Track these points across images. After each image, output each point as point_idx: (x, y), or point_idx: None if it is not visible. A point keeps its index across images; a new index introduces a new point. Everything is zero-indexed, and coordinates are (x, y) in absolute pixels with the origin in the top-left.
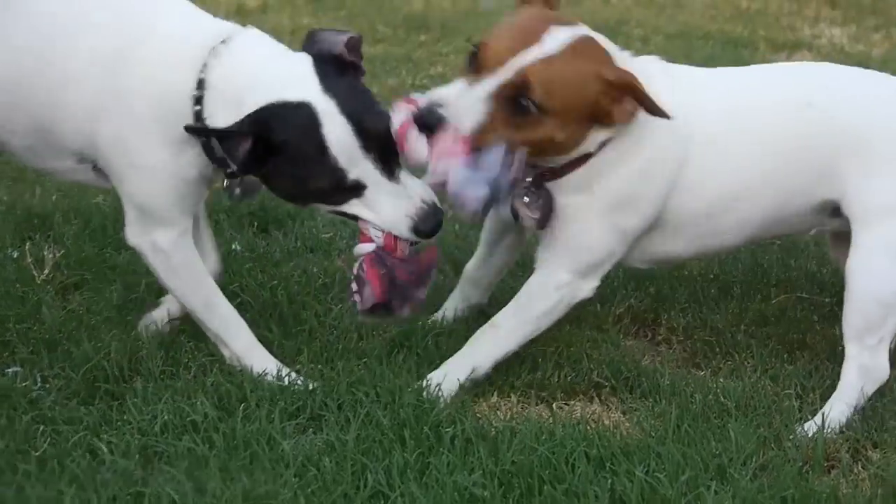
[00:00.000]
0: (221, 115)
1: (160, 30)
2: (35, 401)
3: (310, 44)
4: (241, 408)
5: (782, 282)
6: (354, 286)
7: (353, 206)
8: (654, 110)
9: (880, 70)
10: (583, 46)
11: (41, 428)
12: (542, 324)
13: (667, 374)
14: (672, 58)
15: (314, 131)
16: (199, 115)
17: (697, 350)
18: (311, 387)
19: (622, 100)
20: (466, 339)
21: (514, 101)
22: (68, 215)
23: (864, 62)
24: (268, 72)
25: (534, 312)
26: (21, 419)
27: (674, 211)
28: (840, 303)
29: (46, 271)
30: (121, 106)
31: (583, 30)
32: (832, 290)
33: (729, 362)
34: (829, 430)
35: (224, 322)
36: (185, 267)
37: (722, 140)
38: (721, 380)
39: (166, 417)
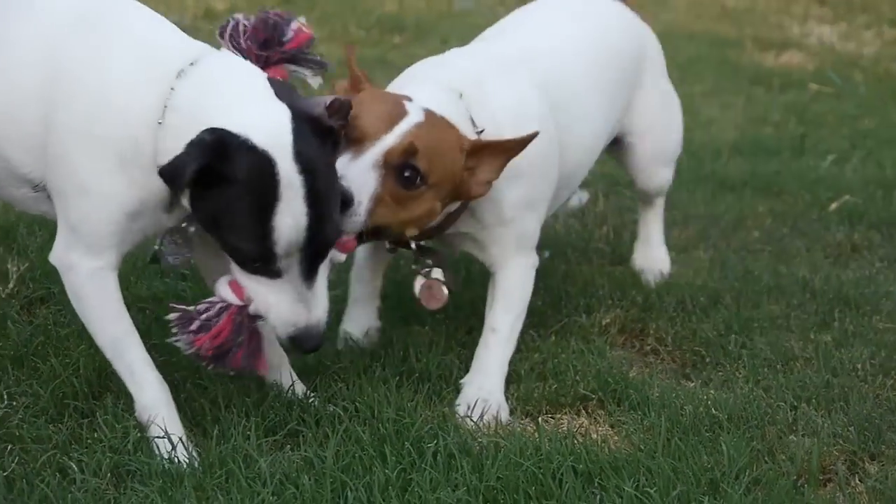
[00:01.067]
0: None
1: (121, 45)
2: (2, 419)
3: (284, 94)
4: (215, 425)
5: (773, 289)
6: (196, 322)
7: (255, 282)
8: (520, 147)
9: (872, 68)
10: (437, 117)
11: (8, 447)
12: (525, 308)
13: (655, 385)
14: None
15: (269, 198)
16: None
17: (687, 361)
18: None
19: (476, 168)
20: (447, 348)
21: (400, 172)
22: (32, 227)
23: (855, 60)
24: (241, 106)
25: (523, 302)
26: None
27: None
28: (832, 311)
29: (11, 285)
30: (74, 127)
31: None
32: (824, 297)
33: (720, 373)
34: None
35: (129, 369)
36: (98, 301)
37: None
38: (712, 391)
39: (138, 435)
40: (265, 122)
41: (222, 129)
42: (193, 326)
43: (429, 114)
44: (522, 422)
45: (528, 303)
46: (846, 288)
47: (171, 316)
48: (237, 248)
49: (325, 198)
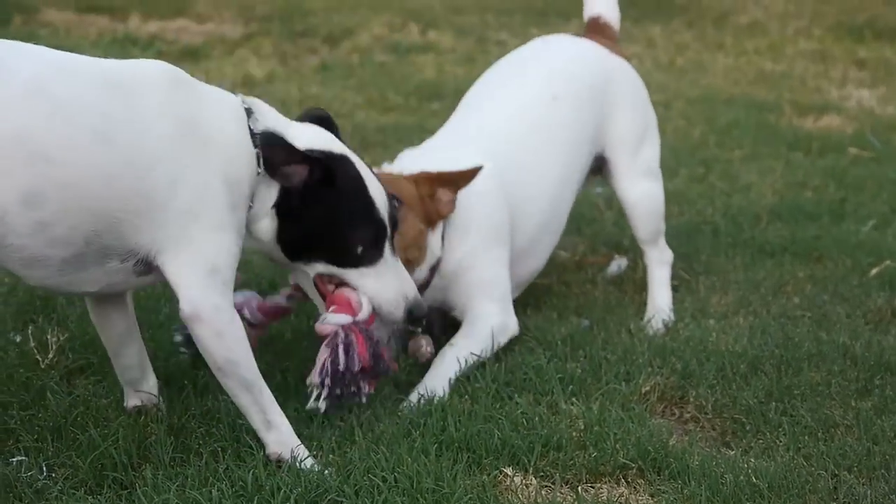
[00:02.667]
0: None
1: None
2: (41, 490)
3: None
4: (255, 498)
5: (813, 356)
6: (325, 357)
7: (361, 273)
8: (465, 178)
9: None
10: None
11: None
12: (487, 346)
13: (696, 453)
14: (694, 124)
15: (362, 184)
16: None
17: (727, 428)
18: (326, 472)
19: (435, 194)
20: (487, 417)
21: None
22: (71, 298)
23: (894, 124)
24: (299, 131)
25: (484, 338)
26: None
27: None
28: (872, 378)
29: (51, 355)
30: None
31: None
32: (865, 363)
33: (760, 441)
34: None
35: (264, 407)
36: (240, 339)
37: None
38: (752, 459)
39: None
40: (328, 138)
41: (317, 150)
42: (324, 359)
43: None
44: (562, 491)
45: (489, 344)
46: (887, 354)
47: (314, 379)
48: (357, 236)
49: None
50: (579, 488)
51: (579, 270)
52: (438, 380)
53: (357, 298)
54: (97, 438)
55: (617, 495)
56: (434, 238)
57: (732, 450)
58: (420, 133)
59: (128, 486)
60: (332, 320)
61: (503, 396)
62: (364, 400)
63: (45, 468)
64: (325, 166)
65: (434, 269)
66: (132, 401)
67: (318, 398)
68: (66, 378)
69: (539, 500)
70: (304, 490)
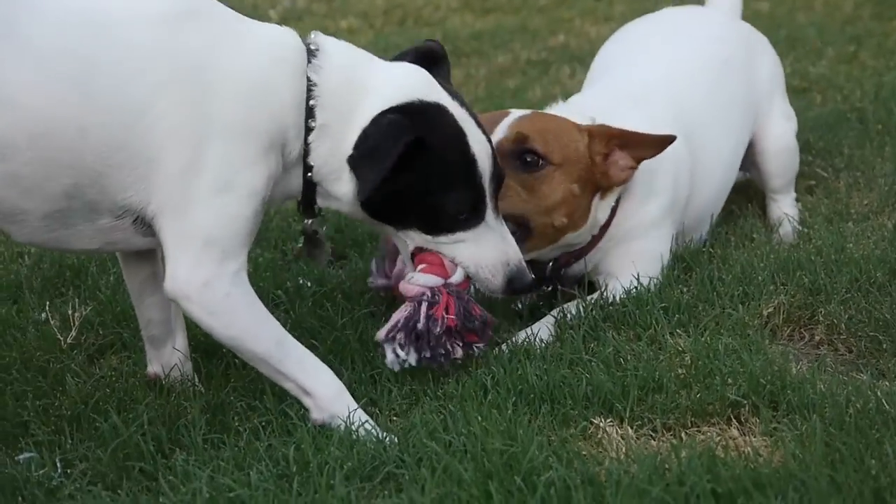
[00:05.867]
0: (335, 125)
1: (249, 33)
2: (54, 490)
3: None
4: (295, 478)
5: None
6: (400, 316)
7: (455, 239)
8: (660, 144)
9: None
10: (542, 112)
11: None
12: None
13: (818, 382)
14: None
15: (459, 141)
16: (308, 128)
17: (863, 349)
18: (386, 440)
19: (613, 154)
20: (572, 362)
21: (519, 157)
22: (105, 264)
23: None
24: (382, 78)
25: None
26: None
27: None
28: None
29: (73, 333)
30: (210, 121)
31: None
32: None
33: None
34: None
35: (301, 363)
36: (249, 304)
37: None
38: (888, 383)
39: (207, 496)
40: (420, 83)
41: (406, 104)
42: (404, 316)
43: (534, 111)
44: (664, 437)
45: None
46: None
47: (380, 335)
48: (452, 204)
49: (480, 122)
50: (683, 434)
51: None
52: (544, 326)
53: (449, 261)
54: (120, 425)
55: (728, 438)
56: (602, 206)
57: (864, 374)
58: (521, 36)
59: (155, 477)
60: (419, 281)
61: (597, 335)
62: (458, 361)
63: (59, 464)
64: (416, 140)
65: (596, 239)
66: (152, 366)
67: (391, 361)
68: (92, 358)
69: (634, 451)
70: (356, 464)
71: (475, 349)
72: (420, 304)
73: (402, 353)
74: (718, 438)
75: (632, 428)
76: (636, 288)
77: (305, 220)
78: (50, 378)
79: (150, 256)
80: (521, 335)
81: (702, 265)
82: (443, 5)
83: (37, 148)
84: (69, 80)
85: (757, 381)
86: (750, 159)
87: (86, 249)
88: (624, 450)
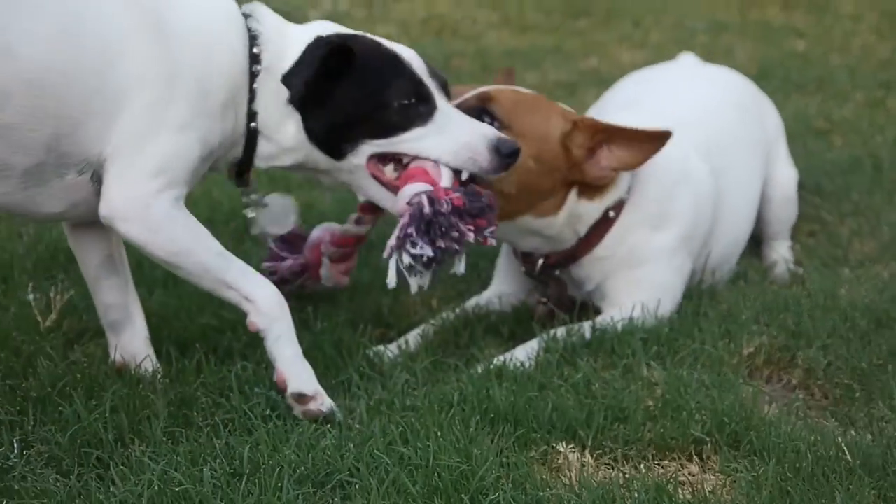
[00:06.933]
0: (274, 67)
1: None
2: (7, 469)
3: None
4: (245, 478)
5: None
6: (404, 221)
7: (417, 136)
8: (654, 142)
9: None
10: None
11: (4, 502)
12: None
13: (783, 425)
14: (886, 39)
15: (387, 49)
16: (253, 73)
17: (838, 397)
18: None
19: (599, 151)
20: (541, 386)
21: (477, 118)
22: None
23: None
24: (301, 30)
25: None
26: None
27: None
28: None
29: (53, 316)
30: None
31: None
32: None
33: (873, 411)
34: None
35: (243, 271)
36: (189, 222)
37: None
38: (854, 433)
39: (156, 488)
40: (335, 27)
41: (329, 34)
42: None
43: (526, 90)
44: (623, 468)
45: None
46: None
47: (391, 244)
48: (392, 104)
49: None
50: (642, 465)
51: None
52: (525, 350)
53: (432, 164)
54: (82, 411)
55: (686, 473)
56: (587, 207)
57: (836, 421)
58: (554, 57)
59: (108, 466)
60: (409, 191)
61: (573, 360)
62: (470, 240)
63: (16, 444)
64: (337, 45)
65: (588, 245)
66: (116, 354)
67: (408, 266)
68: (71, 342)
69: (590, 479)
70: (311, 468)
71: (487, 235)
72: (421, 204)
73: (417, 250)
74: (675, 474)
75: (592, 456)
76: (622, 319)
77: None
78: (23, 359)
79: (105, 238)
80: (501, 357)
81: (688, 299)
82: (481, 20)
83: (29, 96)
84: (61, 27)
85: (722, 419)
86: None
87: (52, 213)
88: (577, 477)
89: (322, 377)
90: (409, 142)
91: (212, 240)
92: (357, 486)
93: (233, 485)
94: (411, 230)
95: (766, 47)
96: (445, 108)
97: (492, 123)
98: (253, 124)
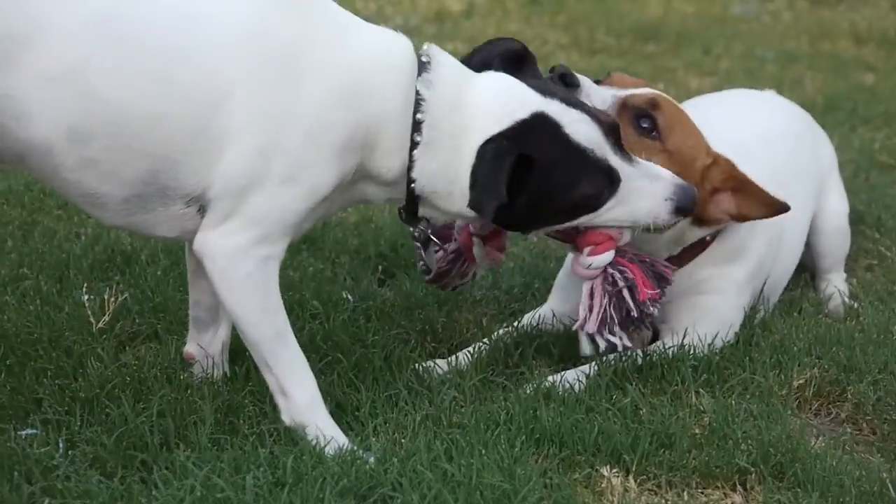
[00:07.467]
0: (444, 145)
1: (354, 32)
2: (52, 469)
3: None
4: (287, 487)
5: None
6: (603, 305)
7: (609, 212)
8: (775, 209)
9: None
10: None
11: (47, 501)
12: None
13: (829, 459)
14: None
15: (566, 137)
16: (413, 142)
17: (886, 433)
18: (370, 460)
19: (722, 193)
20: (588, 409)
21: (637, 117)
22: (157, 255)
23: None
24: (480, 94)
25: None
26: (24, 489)
27: None
28: None
29: (106, 318)
30: (290, 112)
31: None
32: None
33: None
34: None
35: (291, 364)
36: (265, 291)
37: None
38: None
39: (199, 494)
40: (515, 98)
41: (505, 130)
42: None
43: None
44: (667, 495)
45: None
46: None
47: (589, 328)
48: (583, 195)
49: (572, 97)
50: (686, 493)
51: None
52: (575, 372)
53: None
54: (130, 413)
55: (728, 502)
56: (694, 232)
57: (883, 457)
58: None
59: (153, 469)
60: (598, 264)
61: (622, 385)
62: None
63: (62, 444)
64: (518, 156)
65: (672, 262)
66: (190, 346)
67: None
68: (123, 344)
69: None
70: (353, 481)
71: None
72: (621, 290)
73: (617, 342)
74: (719, 502)
75: (636, 481)
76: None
77: (411, 230)
78: (74, 359)
79: None
80: (551, 378)
81: (741, 329)
82: (552, 41)
83: (112, 136)
84: (149, 72)
85: (767, 449)
86: None
87: (167, 236)
88: (620, 502)
89: (370, 390)
90: (598, 218)
91: (279, 318)
92: (399, 502)
93: (275, 494)
94: (615, 326)
95: (834, 79)
96: (627, 173)
97: (650, 130)
98: (412, 186)
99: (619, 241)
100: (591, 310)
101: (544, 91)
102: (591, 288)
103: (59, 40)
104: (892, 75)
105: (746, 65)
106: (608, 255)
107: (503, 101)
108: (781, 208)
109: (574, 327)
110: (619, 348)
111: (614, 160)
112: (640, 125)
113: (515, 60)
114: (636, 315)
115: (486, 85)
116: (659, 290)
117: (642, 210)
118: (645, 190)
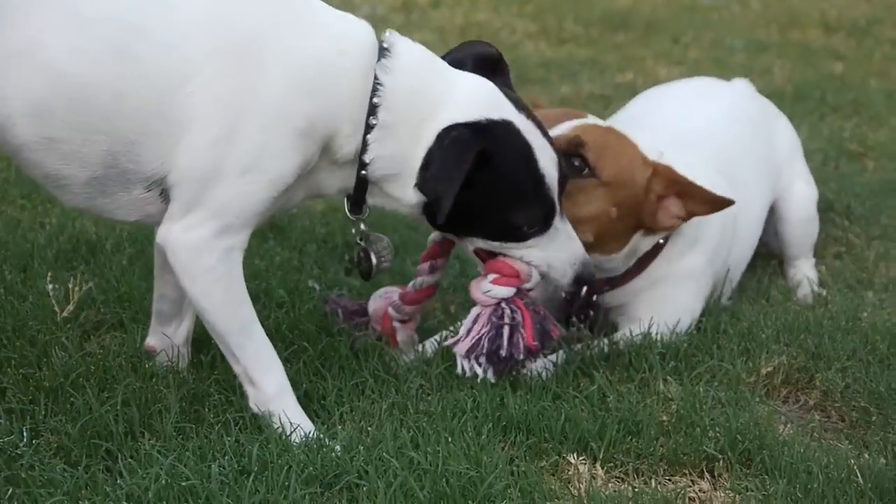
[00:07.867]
0: (400, 128)
1: (316, 19)
2: (15, 458)
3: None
4: (253, 476)
5: None
6: (482, 333)
7: (525, 246)
8: (717, 206)
9: None
10: (616, 131)
11: (10, 490)
12: None
13: (796, 446)
14: None
15: (530, 155)
16: (368, 125)
17: (854, 420)
18: (336, 448)
19: (668, 199)
20: (555, 396)
21: (567, 159)
22: (122, 244)
23: None
24: (450, 86)
25: None
26: None
27: None
28: None
29: (70, 307)
30: (251, 97)
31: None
32: None
33: (889, 435)
34: None
35: (258, 353)
36: (229, 283)
37: None
38: (867, 456)
39: (163, 482)
40: (485, 98)
41: (473, 122)
42: (482, 333)
43: (611, 127)
44: (634, 482)
45: None
46: None
47: (461, 349)
48: (521, 218)
49: (545, 130)
50: (653, 481)
51: None
52: (542, 360)
53: (523, 265)
54: (94, 402)
55: (697, 490)
56: (644, 241)
57: (851, 444)
58: (590, 69)
59: (117, 458)
60: (495, 294)
61: (589, 373)
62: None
63: (26, 433)
64: (480, 150)
65: (633, 273)
66: (152, 339)
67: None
68: (87, 334)
69: (599, 492)
70: (319, 469)
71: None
72: (502, 327)
73: (480, 371)
74: (685, 490)
75: (603, 468)
76: (640, 334)
77: (356, 235)
78: (38, 348)
79: None
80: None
81: (708, 315)
82: (520, 30)
83: (72, 112)
84: (108, 46)
85: (735, 437)
86: (769, 226)
87: (127, 220)
88: (587, 489)
89: (336, 379)
90: (518, 249)
91: (244, 308)
92: (365, 489)
93: (240, 482)
94: (482, 358)
95: (804, 68)
96: (558, 224)
97: (582, 168)
98: (364, 172)
99: (524, 283)
100: (468, 333)
101: (519, 105)
102: (479, 314)
103: (17, 14)
104: (861, 64)
105: (716, 54)
106: (508, 291)
107: (478, 98)
108: (724, 203)
109: (447, 343)
110: (480, 377)
111: (558, 208)
112: (572, 167)
113: (489, 65)
114: (505, 355)
115: (462, 80)
116: (538, 345)
117: (557, 261)
118: (564, 244)
